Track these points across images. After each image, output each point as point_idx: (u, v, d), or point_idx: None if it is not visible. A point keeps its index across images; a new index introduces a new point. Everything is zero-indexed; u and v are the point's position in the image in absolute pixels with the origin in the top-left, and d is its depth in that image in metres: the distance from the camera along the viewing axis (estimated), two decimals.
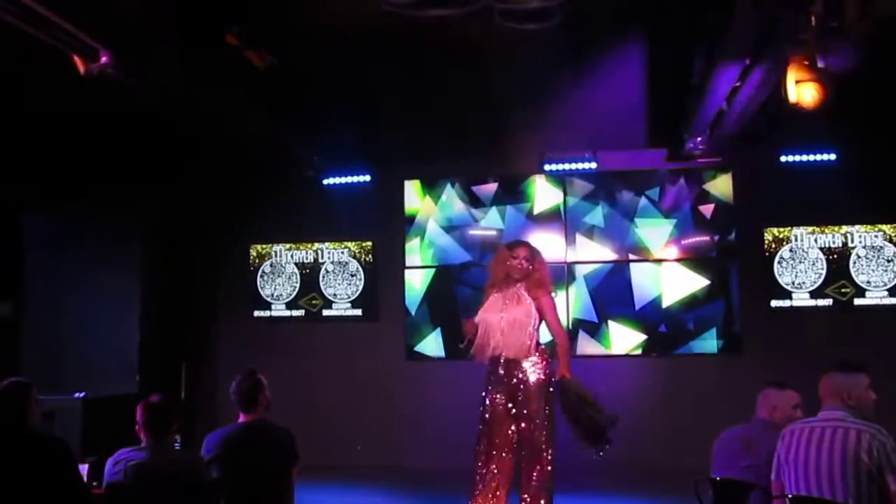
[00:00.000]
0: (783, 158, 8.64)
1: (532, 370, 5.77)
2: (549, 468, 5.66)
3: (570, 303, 9.02)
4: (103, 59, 5.40)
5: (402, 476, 8.22)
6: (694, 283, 8.89)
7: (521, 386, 5.73)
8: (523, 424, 5.69)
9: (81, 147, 7.84)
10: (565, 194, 9.18)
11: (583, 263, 9.07)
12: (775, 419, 4.26)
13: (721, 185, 8.95)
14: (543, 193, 9.26)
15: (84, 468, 4.31)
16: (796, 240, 8.80)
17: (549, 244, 9.02)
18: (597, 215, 9.12)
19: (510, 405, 5.76)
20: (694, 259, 8.93)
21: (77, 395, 7.47)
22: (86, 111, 7.18)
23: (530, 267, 5.98)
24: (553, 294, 6.12)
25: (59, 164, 7.97)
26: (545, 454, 5.66)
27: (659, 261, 8.96)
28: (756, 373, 7.23)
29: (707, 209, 8.95)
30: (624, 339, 8.96)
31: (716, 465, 4.24)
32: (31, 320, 8.41)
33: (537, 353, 5.83)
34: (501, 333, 5.85)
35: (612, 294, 9.02)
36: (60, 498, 3.77)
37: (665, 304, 8.91)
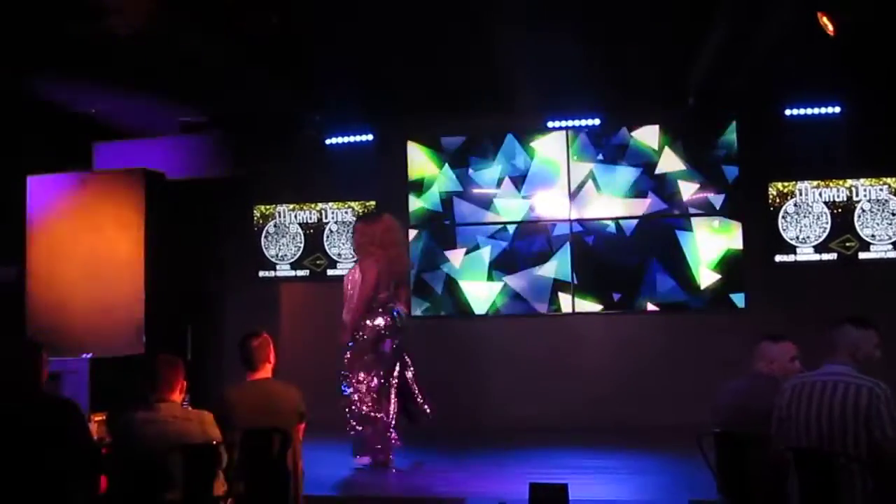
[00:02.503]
0: (788, 112, 8.58)
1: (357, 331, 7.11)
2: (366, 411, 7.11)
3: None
4: None
5: (405, 432, 8.27)
6: (700, 237, 8.88)
7: (352, 343, 7.12)
8: (361, 375, 7.10)
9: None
10: (569, 150, 9.14)
11: (586, 221, 9.06)
12: (773, 371, 4.28)
13: (726, 140, 8.89)
14: (547, 150, 9.21)
15: (93, 426, 4.36)
16: (801, 194, 8.76)
17: (551, 201, 9.04)
18: (599, 171, 9.10)
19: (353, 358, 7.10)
20: (699, 216, 8.91)
21: (84, 356, 7.51)
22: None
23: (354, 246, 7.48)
24: (367, 261, 7.15)
25: (64, 127, 7.95)
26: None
27: (665, 215, 8.95)
28: (760, 327, 7.22)
29: (712, 164, 8.90)
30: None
31: (717, 420, 4.27)
32: (36, 283, 8.45)
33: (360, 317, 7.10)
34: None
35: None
36: (71, 459, 3.80)
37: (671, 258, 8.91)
